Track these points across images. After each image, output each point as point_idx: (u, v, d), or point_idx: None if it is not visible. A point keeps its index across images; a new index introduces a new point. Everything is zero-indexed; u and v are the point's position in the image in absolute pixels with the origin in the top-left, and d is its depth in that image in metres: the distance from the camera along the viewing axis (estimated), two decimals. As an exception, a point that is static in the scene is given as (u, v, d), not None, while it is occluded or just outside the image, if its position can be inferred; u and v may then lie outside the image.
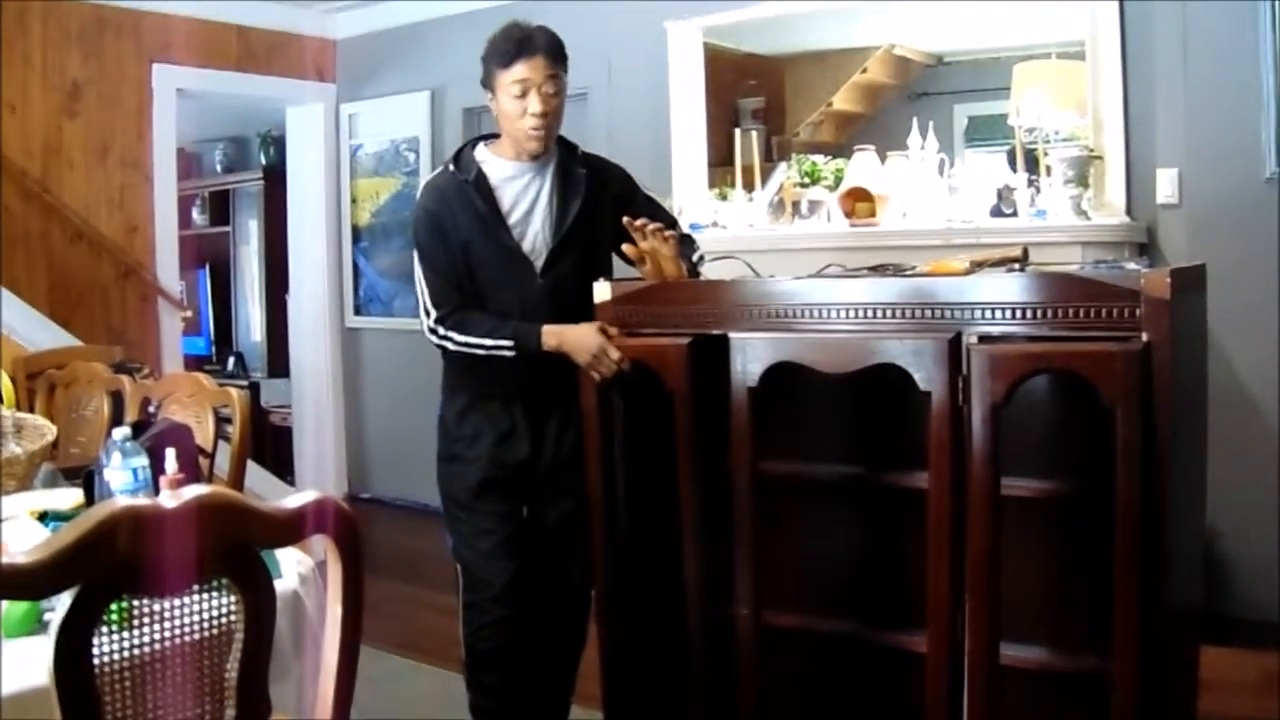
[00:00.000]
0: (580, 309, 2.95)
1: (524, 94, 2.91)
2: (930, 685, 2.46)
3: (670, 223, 3.07)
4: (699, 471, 2.75)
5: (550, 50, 2.93)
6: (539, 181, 3.05)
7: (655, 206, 3.19)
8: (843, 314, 2.60)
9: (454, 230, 3.00)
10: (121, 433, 2.47)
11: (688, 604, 2.80)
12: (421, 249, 3.06)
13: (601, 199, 3.07)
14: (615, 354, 2.82)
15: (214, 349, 9.33)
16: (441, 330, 2.99)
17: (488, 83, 2.99)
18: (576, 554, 3.04)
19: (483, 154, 3.07)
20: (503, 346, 2.93)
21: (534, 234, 3.03)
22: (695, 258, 3.08)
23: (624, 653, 2.98)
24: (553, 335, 2.89)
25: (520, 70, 2.90)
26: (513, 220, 3.02)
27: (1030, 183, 4.56)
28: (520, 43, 2.90)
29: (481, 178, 3.01)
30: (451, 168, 3.06)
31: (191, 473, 2.63)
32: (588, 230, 3.04)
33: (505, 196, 3.03)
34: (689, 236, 3.20)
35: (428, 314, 3.02)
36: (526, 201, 3.04)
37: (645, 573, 2.95)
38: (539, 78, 2.91)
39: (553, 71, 2.93)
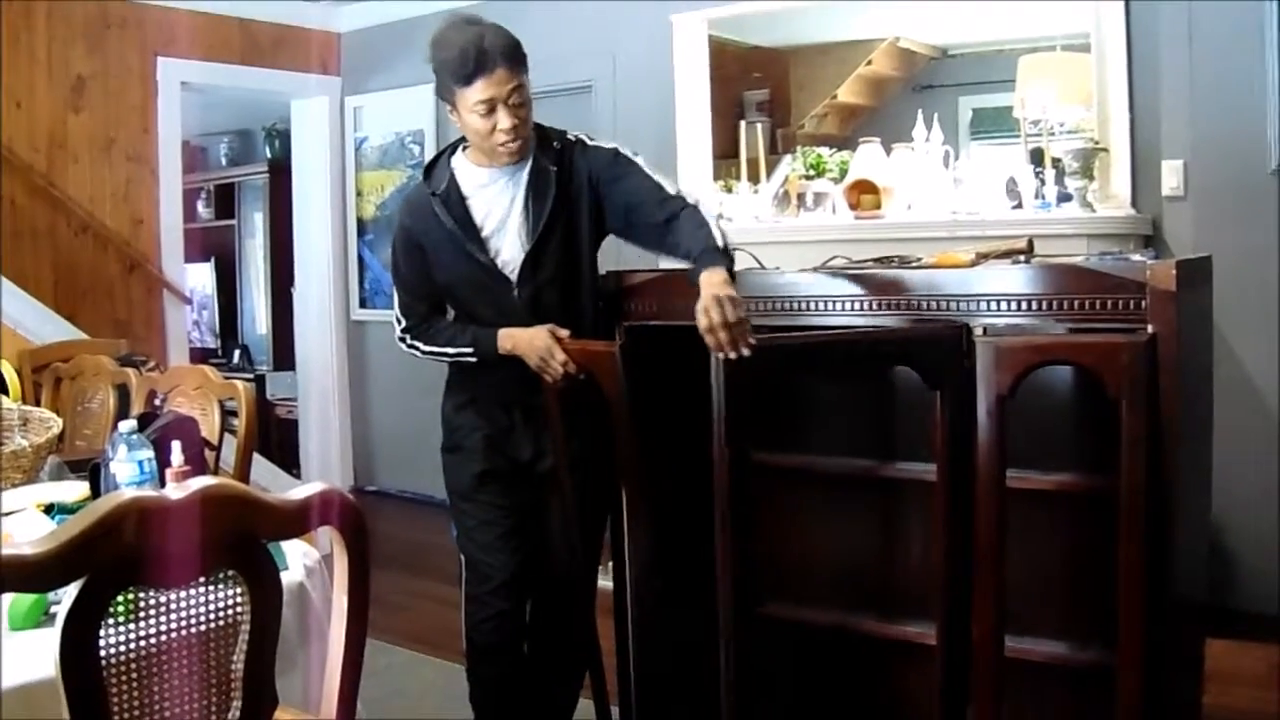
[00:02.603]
0: (563, 314, 2.89)
1: (490, 111, 2.75)
2: (936, 677, 2.46)
3: (663, 195, 2.81)
4: (664, 472, 2.75)
5: (510, 59, 2.73)
6: (513, 187, 2.90)
7: (634, 181, 2.87)
8: (848, 306, 2.60)
9: (428, 246, 2.95)
10: (127, 425, 2.47)
11: (638, 601, 2.81)
12: (394, 264, 3.08)
13: (575, 189, 2.91)
14: (561, 356, 2.80)
15: (220, 342, 9.35)
16: (409, 340, 3.04)
17: (445, 96, 2.82)
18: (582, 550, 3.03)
19: (458, 160, 2.96)
20: (464, 353, 2.95)
21: (511, 244, 2.90)
22: (722, 243, 2.65)
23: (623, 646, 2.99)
24: (506, 338, 2.88)
25: (482, 89, 2.72)
26: (486, 232, 2.91)
27: (1035, 175, 4.55)
28: (478, 58, 2.70)
29: (453, 189, 2.91)
30: (423, 180, 2.99)
31: (197, 465, 2.63)
32: (565, 228, 2.90)
33: (478, 207, 2.91)
34: (693, 211, 2.77)
35: (398, 323, 3.06)
36: (501, 210, 2.91)
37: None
38: (503, 92, 2.73)
39: (517, 82, 2.75)
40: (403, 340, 3.05)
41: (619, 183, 2.88)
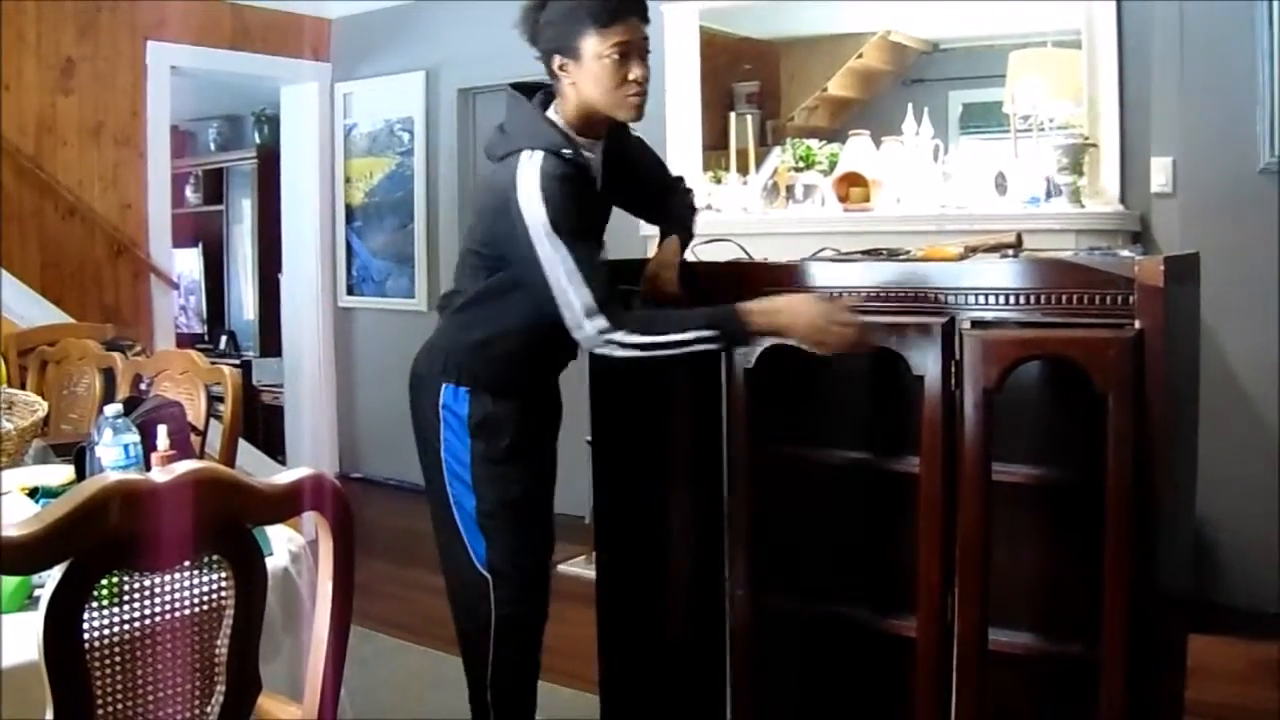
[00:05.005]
0: None
1: (625, 58, 2.55)
2: (919, 670, 2.46)
3: (667, 173, 3.03)
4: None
5: (642, 10, 2.60)
6: (595, 161, 2.71)
7: (651, 155, 3.01)
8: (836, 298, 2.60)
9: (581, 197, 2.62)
10: (113, 409, 2.47)
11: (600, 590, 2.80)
12: (557, 225, 2.50)
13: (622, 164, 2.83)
14: (845, 317, 2.45)
15: (206, 327, 9.33)
16: (622, 335, 2.51)
17: (566, 48, 2.57)
18: None
19: (555, 117, 2.69)
20: (705, 339, 2.49)
21: None
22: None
23: (622, 634, 2.99)
24: (761, 315, 2.48)
25: (620, 32, 2.53)
26: None
27: (1025, 170, 4.55)
28: (620, 2, 2.55)
29: (572, 141, 2.65)
30: (560, 143, 2.61)
31: (183, 450, 2.62)
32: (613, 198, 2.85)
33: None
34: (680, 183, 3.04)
35: (591, 316, 2.50)
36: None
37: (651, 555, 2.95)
38: (638, 38, 2.57)
39: (646, 32, 2.61)
40: (610, 335, 2.51)
41: (642, 156, 2.99)
